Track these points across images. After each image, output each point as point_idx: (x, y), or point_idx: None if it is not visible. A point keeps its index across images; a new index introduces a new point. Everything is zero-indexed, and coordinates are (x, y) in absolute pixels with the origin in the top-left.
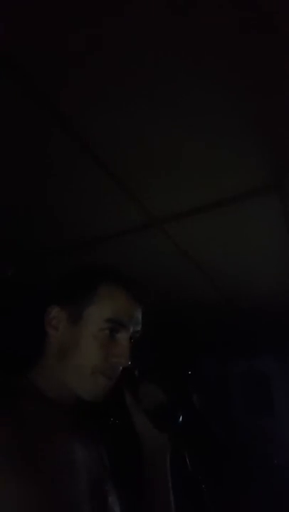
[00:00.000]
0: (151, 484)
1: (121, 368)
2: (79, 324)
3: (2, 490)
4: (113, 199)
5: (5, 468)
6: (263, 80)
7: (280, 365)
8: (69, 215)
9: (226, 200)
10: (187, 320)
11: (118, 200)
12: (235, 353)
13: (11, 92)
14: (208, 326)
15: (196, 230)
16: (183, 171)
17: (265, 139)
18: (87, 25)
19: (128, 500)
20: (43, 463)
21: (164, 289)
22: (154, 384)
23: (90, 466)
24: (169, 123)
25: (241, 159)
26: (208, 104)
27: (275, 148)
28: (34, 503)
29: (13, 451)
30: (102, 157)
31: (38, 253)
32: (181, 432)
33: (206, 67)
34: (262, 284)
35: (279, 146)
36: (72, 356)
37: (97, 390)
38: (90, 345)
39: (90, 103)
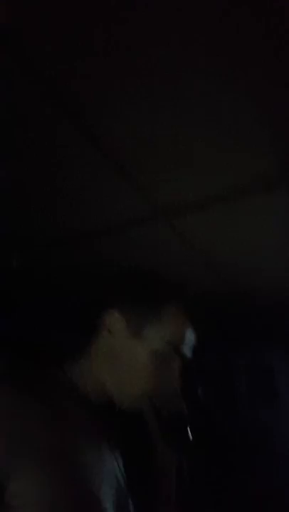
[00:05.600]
0: (159, 490)
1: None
2: (138, 338)
3: (26, 480)
4: (120, 191)
5: (30, 461)
6: (270, 73)
7: (284, 358)
8: (75, 206)
9: (233, 193)
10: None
11: (125, 192)
12: (240, 346)
13: (20, 82)
14: (214, 319)
15: (202, 222)
16: (190, 163)
17: (274, 133)
18: (96, 16)
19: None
20: (67, 460)
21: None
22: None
23: (112, 469)
24: (176, 114)
25: (248, 153)
26: (216, 98)
27: (283, 143)
28: (57, 501)
29: (41, 443)
30: (108, 149)
31: (44, 244)
32: (188, 448)
33: (212, 61)
34: (269, 278)
35: (284, 141)
36: (123, 366)
37: (138, 403)
38: (146, 362)
39: (97, 92)
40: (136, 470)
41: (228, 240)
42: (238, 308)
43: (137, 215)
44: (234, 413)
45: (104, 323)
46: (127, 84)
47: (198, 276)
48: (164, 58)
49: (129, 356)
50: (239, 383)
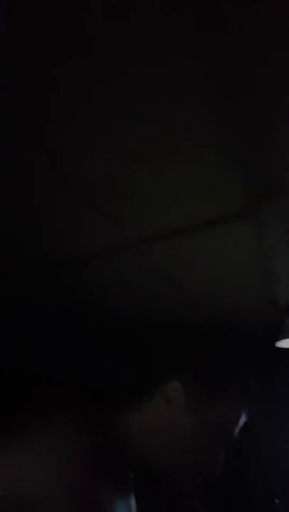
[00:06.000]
0: None
1: None
2: (197, 417)
3: None
4: (92, 222)
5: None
6: (236, 108)
7: (259, 385)
8: (46, 238)
9: (202, 224)
10: (170, 341)
11: (96, 223)
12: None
13: None
14: (192, 348)
15: (174, 251)
16: (161, 194)
17: (240, 168)
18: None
19: None
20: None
21: (145, 311)
22: None
23: None
24: (145, 147)
25: (216, 185)
26: (184, 133)
27: (248, 177)
28: None
29: (79, 489)
30: (80, 183)
31: (18, 273)
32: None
33: (180, 95)
34: (240, 305)
35: (252, 175)
36: (173, 439)
37: (177, 476)
38: (197, 440)
39: (65, 126)
40: None
41: (202, 268)
42: (216, 334)
43: (110, 245)
44: None
45: (165, 393)
46: (95, 116)
47: (175, 304)
48: (129, 94)
49: (182, 430)
50: None
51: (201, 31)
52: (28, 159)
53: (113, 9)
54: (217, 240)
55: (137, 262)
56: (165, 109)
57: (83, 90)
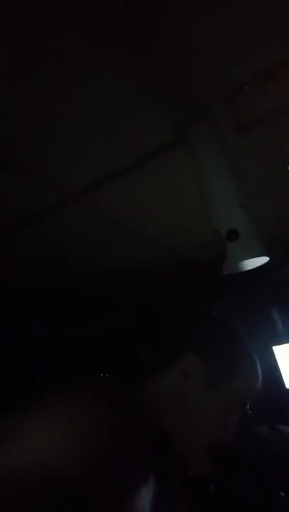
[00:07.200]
0: None
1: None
2: (213, 390)
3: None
4: (23, 184)
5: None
6: (151, 38)
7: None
8: None
9: (136, 162)
10: (132, 284)
11: (29, 185)
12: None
13: None
14: (153, 286)
15: (115, 196)
16: (88, 141)
17: (163, 97)
18: None
19: None
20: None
21: (101, 260)
22: None
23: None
24: (61, 96)
25: (143, 119)
26: (101, 73)
27: (174, 105)
28: None
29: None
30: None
31: None
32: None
33: (90, 34)
34: (189, 235)
35: (177, 103)
36: (187, 412)
37: (188, 451)
38: (216, 416)
39: None
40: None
41: (146, 205)
42: (172, 270)
43: (49, 203)
44: None
45: (182, 366)
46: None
47: (127, 244)
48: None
49: (197, 405)
50: None
51: None
52: None
53: None
54: (155, 174)
55: (78, 216)
56: (75, 50)
57: None
